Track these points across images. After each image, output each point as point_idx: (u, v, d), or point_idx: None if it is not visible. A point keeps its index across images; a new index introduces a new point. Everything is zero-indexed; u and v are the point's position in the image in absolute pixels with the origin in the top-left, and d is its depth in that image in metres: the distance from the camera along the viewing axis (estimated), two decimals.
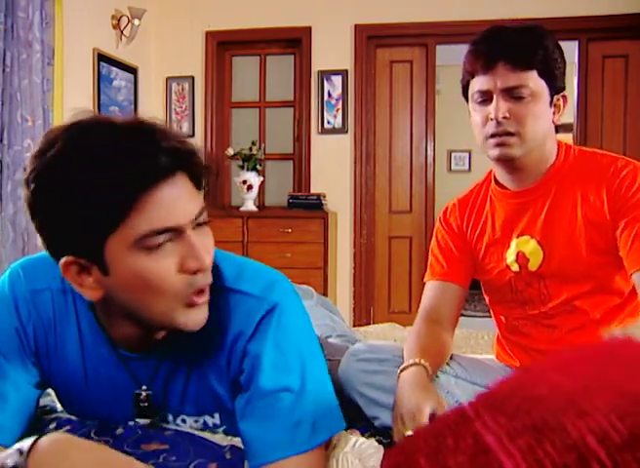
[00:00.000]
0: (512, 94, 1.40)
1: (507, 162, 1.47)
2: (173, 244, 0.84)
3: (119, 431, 1.01)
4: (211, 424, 1.03)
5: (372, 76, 4.57)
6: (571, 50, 4.38)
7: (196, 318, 0.88)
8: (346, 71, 4.52)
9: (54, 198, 0.81)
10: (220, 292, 0.94)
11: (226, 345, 0.95)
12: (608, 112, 4.36)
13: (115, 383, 1.00)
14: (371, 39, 4.51)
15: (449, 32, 4.38)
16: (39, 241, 3.16)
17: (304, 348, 0.95)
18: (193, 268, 0.84)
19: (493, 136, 1.44)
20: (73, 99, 3.68)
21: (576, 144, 4.42)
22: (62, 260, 0.85)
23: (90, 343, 0.98)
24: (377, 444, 1.02)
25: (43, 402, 1.09)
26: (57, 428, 1.03)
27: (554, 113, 1.46)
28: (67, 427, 1.03)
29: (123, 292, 0.86)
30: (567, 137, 4.91)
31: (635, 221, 1.33)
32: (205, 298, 0.89)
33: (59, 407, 1.14)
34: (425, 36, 4.45)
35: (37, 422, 1.04)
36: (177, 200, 0.82)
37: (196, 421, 1.03)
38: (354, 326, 4.01)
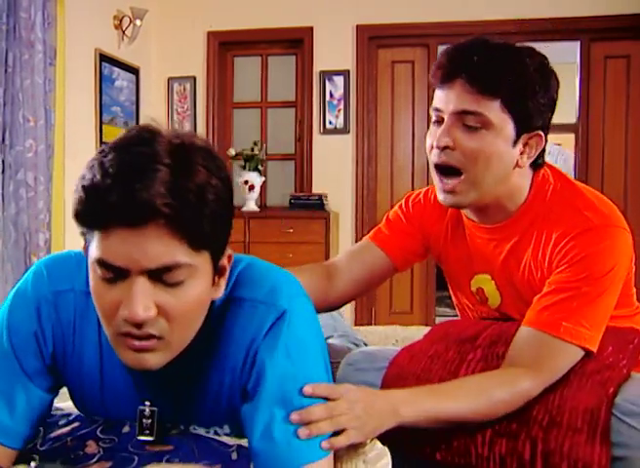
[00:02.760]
0: (464, 120, 1.21)
1: (461, 209, 1.35)
2: (124, 283, 0.80)
3: (125, 429, 1.00)
4: (221, 434, 1.02)
5: (373, 76, 4.56)
6: (573, 50, 4.38)
7: (134, 358, 0.85)
8: (348, 71, 4.51)
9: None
10: (225, 301, 0.93)
11: (241, 354, 0.93)
12: (610, 112, 4.35)
13: (127, 391, 0.99)
14: (372, 39, 4.51)
15: (450, 32, 4.37)
16: (41, 241, 3.13)
17: (311, 358, 0.93)
18: (122, 315, 0.81)
19: (437, 167, 1.26)
20: (75, 100, 3.69)
21: (579, 145, 4.32)
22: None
23: (109, 348, 0.95)
24: (381, 446, 1.00)
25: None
26: (66, 424, 1.03)
27: (522, 153, 1.24)
28: (75, 424, 1.03)
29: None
30: (569, 138, 4.89)
31: (550, 288, 1.23)
32: (147, 345, 0.83)
33: (63, 405, 1.14)
34: (427, 36, 4.45)
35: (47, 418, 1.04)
36: (131, 245, 0.78)
37: (207, 432, 1.02)
38: (355, 326, 4.01)
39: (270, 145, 4.72)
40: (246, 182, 4.36)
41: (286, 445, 0.88)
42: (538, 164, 1.31)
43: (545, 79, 1.23)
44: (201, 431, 1.01)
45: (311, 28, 4.53)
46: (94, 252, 0.81)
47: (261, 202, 4.68)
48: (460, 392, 1.15)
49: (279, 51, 4.75)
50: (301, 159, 4.65)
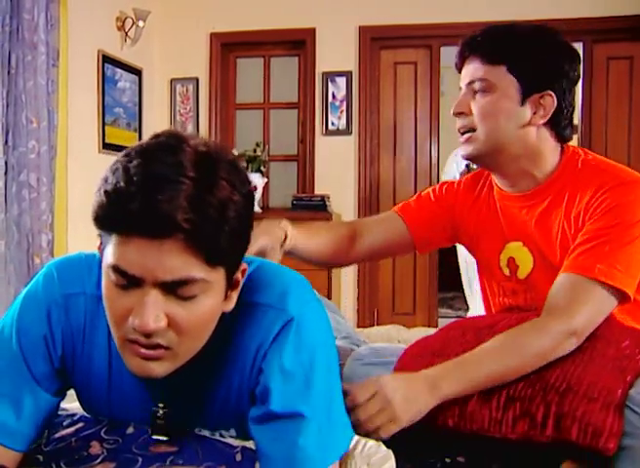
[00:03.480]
0: (474, 88, 1.37)
1: (477, 162, 1.44)
2: (137, 291, 0.80)
3: (130, 430, 1.00)
4: (226, 436, 1.02)
5: (376, 77, 4.56)
6: None
7: (139, 366, 0.84)
8: (350, 73, 4.51)
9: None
10: (236, 304, 0.92)
11: (249, 357, 0.92)
12: (612, 114, 4.35)
13: (134, 394, 0.98)
14: (375, 40, 4.51)
15: (453, 34, 4.36)
16: (43, 242, 3.13)
17: (319, 367, 0.92)
18: (132, 323, 0.80)
19: (459, 132, 1.41)
20: (78, 101, 3.69)
21: (581, 146, 4.36)
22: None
23: (117, 352, 0.93)
24: (385, 449, 1.00)
25: None
26: (70, 425, 1.03)
27: (535, 112, 1.35)
28: (79, 425, 1.03)
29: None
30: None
31: (584, 237, 1.28)
32: (154, 354, 0.83)
33: (67, 405, 1.14)
34: (430, 38, 4.45)
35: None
36: (148, 256, 0.77)
37: (213, 434, 1.02)
38: (358, 327, 4.01)
39: (273, 146, 4.72)
40: None
41: (291, 455, 0.87)
42: (563, 135, 1.40)
43: (551, 48, 1.36)
44: (206, 433, 1.01)
45: (314, 29, 4.53)
46: (109, 256, 0.80)
47: (264, 203, 4.68)
48: (496, 350, 1.17)
49: (282, 52, 4.75)
50: (304, 160, 4.65)
